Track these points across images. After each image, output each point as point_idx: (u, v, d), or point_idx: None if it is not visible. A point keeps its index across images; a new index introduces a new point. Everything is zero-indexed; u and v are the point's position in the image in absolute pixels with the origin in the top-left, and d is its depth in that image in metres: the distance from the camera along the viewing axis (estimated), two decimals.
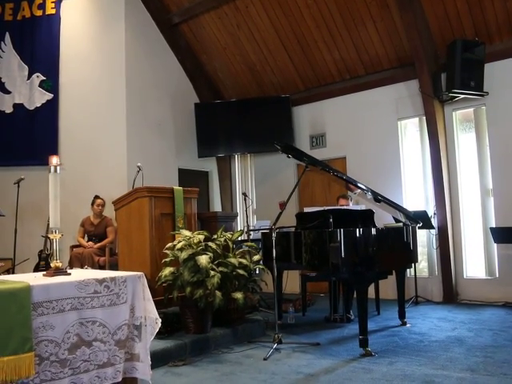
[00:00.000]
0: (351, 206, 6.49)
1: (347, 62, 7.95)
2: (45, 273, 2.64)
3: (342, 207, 6.21)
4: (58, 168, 2.68)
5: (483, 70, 6.57)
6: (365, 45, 7.60)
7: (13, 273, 6.80)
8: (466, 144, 7.17)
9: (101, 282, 2.45)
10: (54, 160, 2.68)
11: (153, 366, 2.65)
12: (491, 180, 6.85)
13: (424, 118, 7.26)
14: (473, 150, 7.08)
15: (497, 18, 6.54)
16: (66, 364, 2.28)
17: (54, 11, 8.09)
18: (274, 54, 8.42)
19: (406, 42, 7.21)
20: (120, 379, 2.49)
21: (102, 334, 2.42)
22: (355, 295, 4.99)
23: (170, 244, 4.91)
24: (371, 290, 5.54)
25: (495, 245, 6.64)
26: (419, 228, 5.73)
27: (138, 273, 2.64)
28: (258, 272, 5.76)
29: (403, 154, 7.67)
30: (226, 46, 8.71)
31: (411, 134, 7.71)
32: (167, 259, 4.79)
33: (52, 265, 2.62)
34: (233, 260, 4.90)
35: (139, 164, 6.66)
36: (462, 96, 6.75)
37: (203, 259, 4.57)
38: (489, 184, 6.89)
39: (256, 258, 5.26)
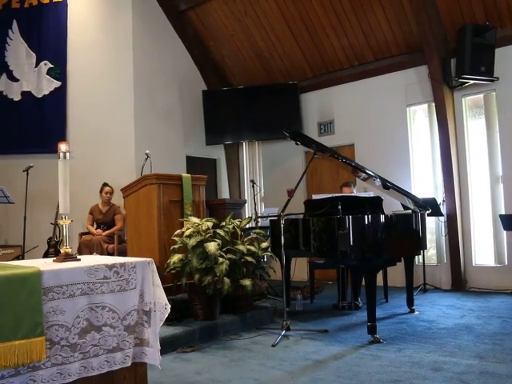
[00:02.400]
0: (359, 193, 6.47)
1: (355, 48, 7.88)
2: (55, 258, 2.65)
3: (351, 194, 6.19)
4: (68, 154, 2.68)
5: (494, 55, 6.49)
6: (373, 30, 7.52)
7: (22, 260, 6.85)
8: (475, 130, 7.11)
9: (110, 267, 2.46)
10: (63, 146, 2.68)
11: (162, 352, 2.66)
12: (501, 167, 6.80)
13: (433, 104, 7.20)
14: (482, 136, 7.01)
15: (508, 2, 6.43)
16: (76, 348, 2.29)
17: None
18: (282, 40, 8.36)
19: (415, 27, 7.13)
20: (129, 364, 2.50)
21: (112, 319, 2.44)
22: (363, 282, 4.99)
23: (178, 231, 4.92)
24: (379, 277, 5.53)
25: (504, 232, 6.60)
26: (428, 215, 5.70)
27: (148, 259, 2.65)
28: (266, 259, 5.77)
29: (412, 141, 7.62)
30: (234, 32, 8.65)
31: (420, 120, 7.65)
32: (176, 246, 4.80)
33: (62, 250, 2.62)
34: (241, 247, 4.90)
35: (147, 151, 6.66)
36: (472, 82, 6.69)
37: (212, 246, 4.57)
38: (498, 171, 6.84)
39: (264, 245, 5.25)
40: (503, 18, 6.58)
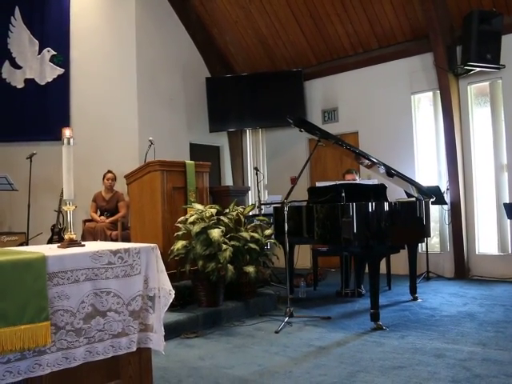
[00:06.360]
0: (363, 181, 6.46)
1: (360, 35, 7.82)
2: (59, 244, 2.65)
3: (355, 181, 6.17)
4: (72, 140, 2.67)
5: (500, 42, 6.42)
6: (378, 17, 7.45)
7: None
8: (480, 118, 7.06)
9: (115, 253, 2.45)
10: (67, 132, 2.66)
11: (166, 338, 2.67)
12: (506, 155, 6.76)
13: (438, 92, 7.16)
14: (488, 124, 6.97)
15: None
16: (81, 333, 2.30)
17: None
18: (286, 27, 8.30)
19: (420, 14, 7.06)
20: (134, 349, 2.51)
21: (117, 305, 2.44)
22: (366, 270, 5.00)
23: (182, 218, 4.93)
24: (383, 265, 5.54)
25: (508, 221, 6.58)
26: (432, 203, 5.69)
27: (152, 244, 2.64)
28: (269, 246, 5.78)
29: (416, 129, 7.59)
30: (238, 19, 8.58)
31: (425, 108, 7.60)
32: (179, 233, 4.81)
33: (66, 236, 2.62)
34: (245, 234, 4.91)
35: (151, 138, 6.65)
36: (478, 69, 6.63)
37: (215, 233, 4.58)
38: (503, 159, 6.81)
39: (268, 232, 5.26)
40: (510, 4, 6.51)
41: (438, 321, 4.66)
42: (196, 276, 4.79)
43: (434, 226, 7.20)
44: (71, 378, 2.30)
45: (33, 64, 7.99)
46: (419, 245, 6.55)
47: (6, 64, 7.98)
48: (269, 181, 9.15)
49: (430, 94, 7.45)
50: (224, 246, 4.62)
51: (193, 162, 5.47)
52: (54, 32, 8.01)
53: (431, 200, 5.46)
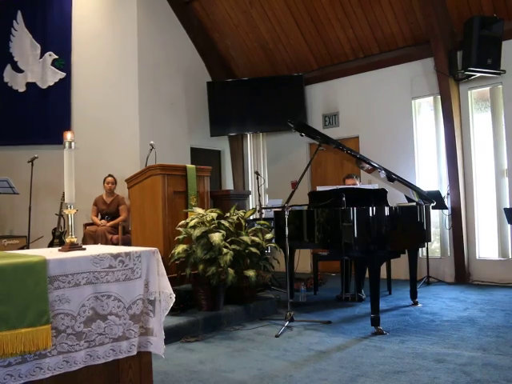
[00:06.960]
0: (364, 185, 6.46)
1: (361, 40, 7.84)
2: (60, 248, 2.65)
3: (355, 186, 6.18)
4: (73, 143, 2.67)
5: (501, 48, 6.44)
6: (379, 22, 7.47)
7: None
8: (481, 124, 7.07)
9: (116, 256, 2.46)
10: (69, 136, 2.67)
11: (166, 342, 2.67)
12: (506, 160, 6.77)
13: (439, 97, 7.17)
14: (488, 129, 6.98)
15: None
16: (81, 337, 2.30)
17: None
18: (287, 31, 8.32)
19: (421, 19, 7.09)
20: (135, 353, 2.51)
21: (117, 309, 2.44)
22: (367, 274, 5.00)
23: (182, 221, 4.93)
24: (383, 270, 5.54)
25: (509, 226, 6.58)
26: (432, 208, 5.69)
27: (153, 248, 2.65)
28: (270, 250, 5.78)
29: (417, 134, 7.59)
30: (239, 23, 8.61)
31: (425, 113, 7.61)
32: (180, 236, 4.81)
33: (67, 240, 2.63)
34: (245, 238, 4.91)
35: (152, 142, 6.66)
36: (479, 74, 6.65)
37: (216, 237, 4.58)
38: (504, 164, 6.81)
39: (268, 236, 5.27)
40: (510, 10, 6.52)
41: (439, 326, 4.65)
42: (196, 280, 4.79)
43: (435, 231, 7.20)
44: (72, 382, 2.31)
45: (34, 68, 8.01)
46: (420, 249, 6.55)
47: (8, 68, 8.02)
48: (269, 185, 9.16)
49: (431, 98, 7.46)
50: (225, 250, 4.62)
51: (194, 166, 5.47)
52: (55, 36, 8.04)
53: (432, 205, 5.46)
